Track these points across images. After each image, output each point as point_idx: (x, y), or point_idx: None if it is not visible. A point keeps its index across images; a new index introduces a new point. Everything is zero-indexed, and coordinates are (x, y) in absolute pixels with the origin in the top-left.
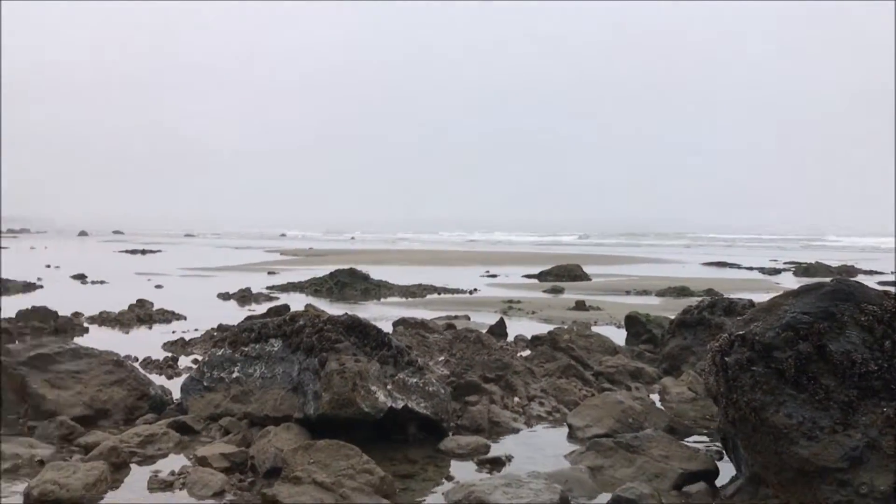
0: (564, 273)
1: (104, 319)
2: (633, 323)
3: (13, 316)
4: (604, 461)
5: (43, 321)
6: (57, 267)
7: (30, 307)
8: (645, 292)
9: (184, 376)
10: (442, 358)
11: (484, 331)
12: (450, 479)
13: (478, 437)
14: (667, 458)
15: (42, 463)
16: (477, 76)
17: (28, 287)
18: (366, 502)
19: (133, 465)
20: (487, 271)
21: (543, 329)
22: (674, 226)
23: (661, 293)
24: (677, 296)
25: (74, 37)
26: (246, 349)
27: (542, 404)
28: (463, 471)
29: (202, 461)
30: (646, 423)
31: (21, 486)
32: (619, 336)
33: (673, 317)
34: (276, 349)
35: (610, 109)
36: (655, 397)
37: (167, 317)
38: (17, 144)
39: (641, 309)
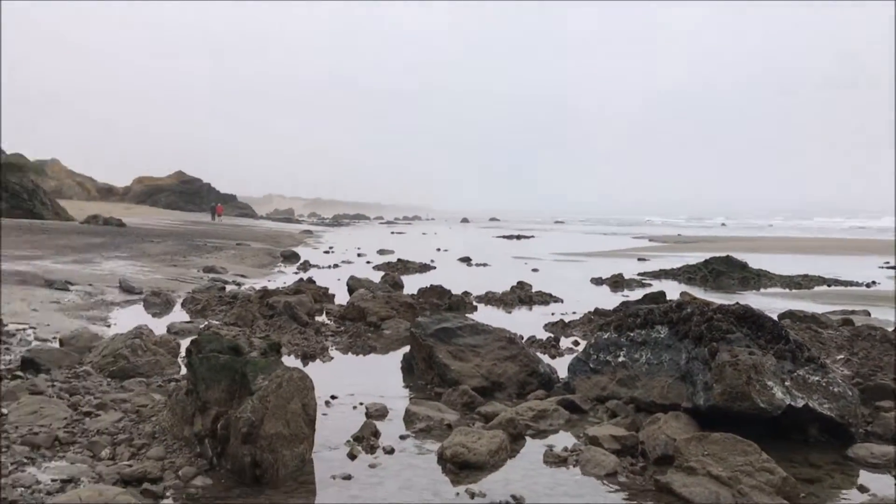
0: None
1: (489, 299)
2: None
3: (415, 293)
4: None
5: (439, 298)
6: (445, 250)
7: (428, 286)
8: None
9: (566, 356)
10: (841, 356)
11: (890, 329)
12: (862, 489)
13: (895, 448)
14: None
15: (450, 427)
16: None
17: (423, 268)
18: (766, 502)
19: (527, 438)
20: (887, 262)
21: None
22: None
23: None
24: None
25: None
26: (631, 334)
27: None
28: (878, 483)
29: (593, 441)
30: None
31: (433, 445)
32: None
33: None
34: (662, 336)
35: None
36: None
37: (545, 299)
38: (409, 145)
39: None
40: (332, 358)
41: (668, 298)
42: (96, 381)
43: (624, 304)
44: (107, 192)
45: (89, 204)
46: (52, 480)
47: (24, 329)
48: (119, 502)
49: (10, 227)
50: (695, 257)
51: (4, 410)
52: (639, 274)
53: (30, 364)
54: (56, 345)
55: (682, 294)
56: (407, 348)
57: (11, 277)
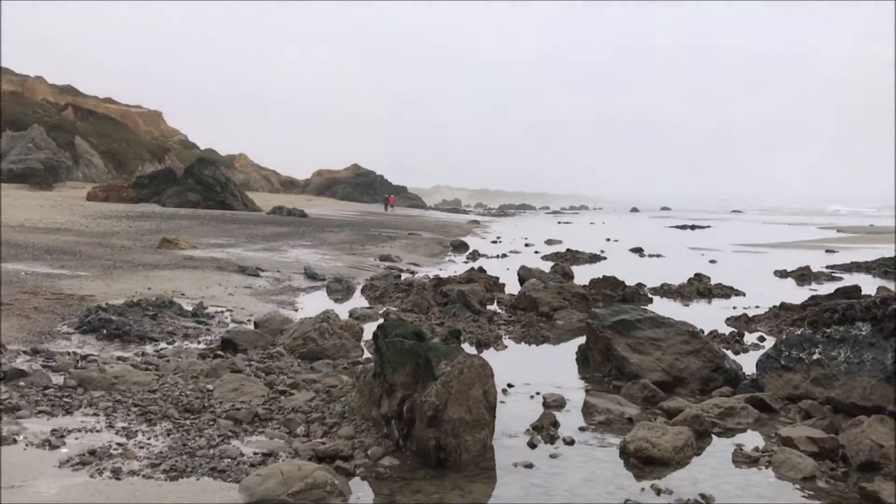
0: None
1: (665, 291)
2: None
3: (587, 283)
4: None
5: (612, 290)
6: (616, 241)
7: (600, 276)
8: None
9: (751, 352)
10: None
11: None
12: None
13: None
14: None
15: (630, 420)
16: None
17: (594, 258)
18: None
19: (713, 436)
20: None
21: None
22: None
23: None
24: None
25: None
26: (828, 331)
27: None
28: None
29: (787, 442)
30: None
31: (614, 438)
32: None
33: None
34: (864, 333)
35: None
36: None
37: (725, 292)
38: (577, 131)
39: None
40: (506, 347)
41: (862, 293)
42: (288, 361)
43: (813, 298)
44: (289, 185)
45: (273, 195)
46: (255, 453)
47: (221, 311)
48: (316, 477)
49: (206, 218)
50: (890, 249)
51: (210, 387)
52: (827, 266)
53: (229, 344)
54: (251, 327)
55: (880, 289)
56: (581, 339)
57: (209, 264)
